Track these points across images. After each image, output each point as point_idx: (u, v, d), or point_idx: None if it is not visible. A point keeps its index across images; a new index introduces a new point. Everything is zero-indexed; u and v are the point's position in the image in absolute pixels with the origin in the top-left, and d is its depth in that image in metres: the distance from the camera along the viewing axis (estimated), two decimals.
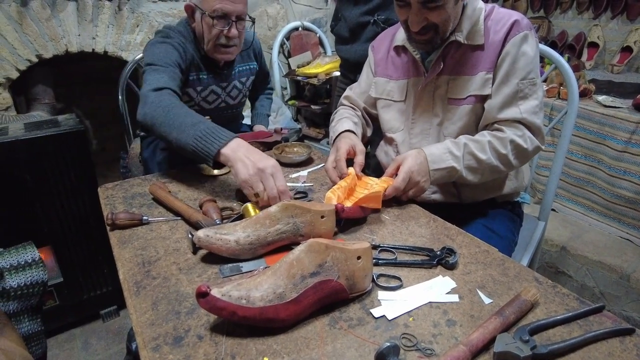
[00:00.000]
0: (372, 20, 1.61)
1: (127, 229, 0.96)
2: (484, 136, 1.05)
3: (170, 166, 1.51)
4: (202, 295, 0.62)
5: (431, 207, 1.15)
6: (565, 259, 1.87)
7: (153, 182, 1.15)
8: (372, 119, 1.36)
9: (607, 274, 1.75)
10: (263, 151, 1.51)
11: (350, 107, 1.36)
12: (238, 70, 1.61)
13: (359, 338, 0.64)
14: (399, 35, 1.21)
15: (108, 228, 0.96)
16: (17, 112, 1.97)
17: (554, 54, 1.40)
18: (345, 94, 1.39)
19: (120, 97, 1.81)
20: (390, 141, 1.26)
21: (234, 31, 1.39)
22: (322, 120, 2.75)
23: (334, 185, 1.02)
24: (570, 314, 0.67)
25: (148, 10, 2.15)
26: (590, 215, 2.01)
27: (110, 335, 1.77)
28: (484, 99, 1.08)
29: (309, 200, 1.08)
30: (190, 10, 1.41)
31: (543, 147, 1.08)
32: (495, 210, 1.19)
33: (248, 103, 1.88)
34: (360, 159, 1.08)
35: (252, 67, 1.67)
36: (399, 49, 1.21)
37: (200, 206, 0.98)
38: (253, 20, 1.50)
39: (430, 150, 1.03)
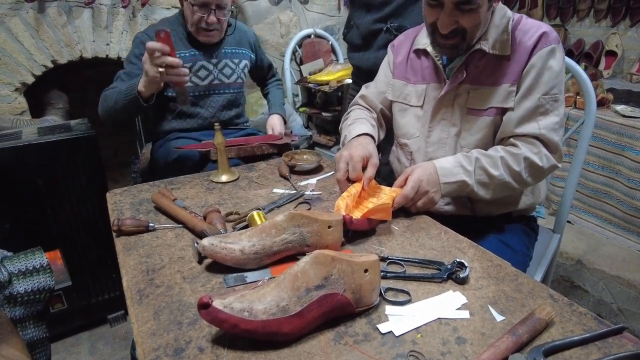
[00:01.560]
0: (384, 28, 1.59)
1: (133, 235, 0.95)
2: (497, 152, 1.02)
3: (179, 169, 1.51)
4: (204, 306, 0.61)
5: (444, 219, 1.12)
6: (581, 273, 1.82)
7: (160, 188, 1.14)
8: (386, 122, 1.33)
9: (626, 289, 1.69)
10: (270, 154, 1.53)
11: (367, 108, 1.31)
12: (230, 51, 1.69)
13: (364, 354, 0.62)
14: (421, 39, 1.18)
15: (114, 234, 0.96)
16: (32, 117, 2.00)
17: (570, 62, 1.37)
18: (361, 92, 1.34)
19: None
20: (403, 147, 1.23)
21: (212, 18, 1.53)
22: (332, 128, 2.73)
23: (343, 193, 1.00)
24: (588, 334, 0.64)
25: (161, 17, 2.17)
26: (607, 227, 1.95)
27: (117, 340, 1.76)
28: (505, 111, 1.04)
29: (309, 209, 1.06)
30: None
31: (559, 166, 1.05)
32: (510, 224, 1.15)
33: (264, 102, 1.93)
34: (370, 172, 1.04)
35: (245, 52, 1.74)
36: (420, 53, 1.18)
37: (205, 217, 0.97)
38: (236, 11, 1.66)
39: (441, 163, 1.01)
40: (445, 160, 1.02)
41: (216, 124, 1.21)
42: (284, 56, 2.70)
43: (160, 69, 1.23)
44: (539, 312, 0.66)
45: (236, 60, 1.71)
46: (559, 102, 1.02)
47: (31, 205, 1.55)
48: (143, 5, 2.07)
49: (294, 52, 2.72)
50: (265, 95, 2.02)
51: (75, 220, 1.63)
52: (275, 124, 1.79)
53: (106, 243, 1.70)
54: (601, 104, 1.93)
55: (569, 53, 2.59)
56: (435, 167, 1.00)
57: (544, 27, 1.02)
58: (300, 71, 2.76)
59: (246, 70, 1.77)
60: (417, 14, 1.54)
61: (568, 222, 1.93)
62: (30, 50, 1.88)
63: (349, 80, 2.48)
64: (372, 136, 1.16)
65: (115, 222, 0.94)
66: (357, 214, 0.95)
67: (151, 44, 1.22)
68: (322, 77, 2.51)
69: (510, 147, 1.03)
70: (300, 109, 2.75)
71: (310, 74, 2.63)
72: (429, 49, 1.13)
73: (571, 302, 0.73)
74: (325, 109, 2.66)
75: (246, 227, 0.95)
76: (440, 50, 1.08)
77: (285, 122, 1.86)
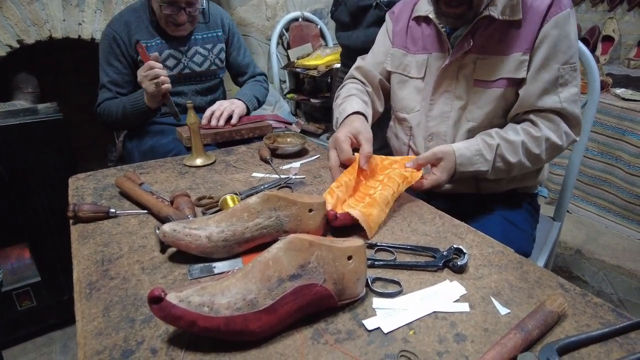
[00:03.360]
0: (374, 4, 1.49)
1: (92, 222, 0.85)
2: (518, 134, 0.95)
3: (154, 157, 1.41)
4: (155, 300, 0.51)
5: (446, 197, 1.04)
6: (580, 263, 1.74)
7: (126, 172, 1.03)
8: (385, 94, 1.22)
9: (627, 279, 1.62)
10: (251, 138, 1.40)
11: (360, 81, 1.20)
12: (201, 37, 1.55)
13: (347, 355, 0.53)
14: (421, 5, 1.08)
15: (70, 221, 0.85)
16: None
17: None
18: (356, 64, 1.23)
19: None
20: (401, 122, 1.13)
21: (183, 17, 1.40)
22: (321, 115, 2.63)
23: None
24: (607, 329, 0.55)
25: None
26: (606, 216, 1.88)
27: None
28: (517, 82, 0.96)
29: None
30: None
31: (578, 140, 1.00)
32: (513, 201, 1.08)
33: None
34: (367, 148, 0.91)
35: (218, 34, 1.59)
36: (420, 20, 1.08)
37: (172, 202, 0.86)
38: (206, 2, 1.50)
39: (461, 151, 0.93)
40: (466, 147, 0.94)
41: (188, 102, 1.11)
42: (270, 40, 2.58)
43: (156, 81, 1.27)
44: (549, 304, 0.57)
45: (208, 46, 1.56)
46: (577, 72, 0.95)
47: None
48: None
49: (280, 36, 2.61)
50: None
51: (44, 211, 1.52)
52: (222, 106, 1.41)
53: None
54: (601, 87, 1.85)
55: (584, 41, 2.51)
56: (455, 155, 0.93)
57: None
58: (288, 56, 2.64)
59: (222, 55, 1.61)
60: None
61: (567, 211, 1.86)
62: None
63: (339, 65, 2.38)
64: (362, 114, 1.04)
65: (71, 207, 0.84)
66: (353, 203, 0.84)
67: (148, 65, 1.27)
68: (310, 61, 2.40)
69: (531, 127, 0.96)
70: (288, 96, 2.64)
71: (297, 59, 2.52)
72: (432, 15, 1.03)
73: (584, 292, 0.64)
74: (314, 95, 2.55)
75: (218, 211, 0.84)
76: (446, 20, 0.98)
77: (247, 113, 1.52)
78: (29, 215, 1.50)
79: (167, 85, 1.30)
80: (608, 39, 2.38)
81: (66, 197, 1.51)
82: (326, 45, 2.73)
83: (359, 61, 1.24)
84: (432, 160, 0.93)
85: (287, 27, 2.61)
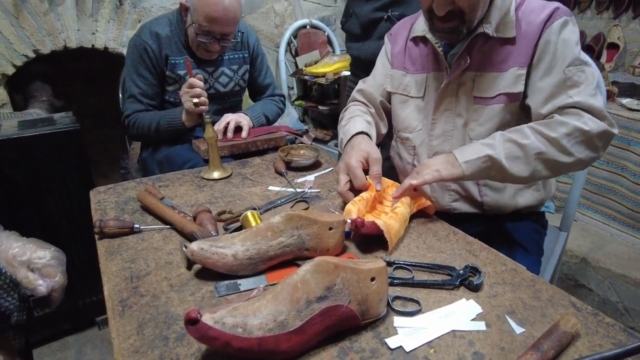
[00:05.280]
0: (385, 17, 1.52)
1: (117, 237, 0.88)
2: (524, 125, 0.92)
3: (170, 166, 1.44)
4: (192, 322, 0.54)
5: (452, 217, 1.05)
6: (585, 272, 1.77)
7: (147, 186, 1.07)
8: (387, 115, 1.24)
9: (632, 288, 1.64)
10: (266, 150, 1.43)
11: (363, 103, 1.23)
12: (228, 58, 1.56)
13: None
14: (418, 26, 1.10)
15: (96, 237, 0.88)
16: (14, 110, 1.90)
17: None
18: (358, 87, 1.27)
19: (120, 95, 1.74)
20: (404, 142, 1.16)
21: (215, 47, 1.43)
22: (329, 122, 2.66)
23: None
24: (620, 350, 0.57)
25: (150, 5, 2.08)
26: (612, 225, 1.90)
27: (106, 344, 1.69)
28: (516, 97, 0.97)
29: (306, 209, 0.99)
30: (185, 9, 1.44)
31: (615, 132, 0.88)
32: (520, 222, 1.09)
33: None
34: (376, 169, 0.95)
35: (244, 55, 1.60)
36: (418, 40, 1.11)
37: (194, 217, 0.89)
38: (240, 36, 1.55)
39: (462, 147, 0.92)
40: (465, 145, 0.93)
41: (207, 117, 1.14)
42: (278, 47, 2.61)
43: (195, 100, 1.30)
44: (563, 324, 0.60)
45: (234, 67, 1.58)
46: (586, 71, 0.91)
47: (12, 203, 1.46)
48: None
49: (288, 43, 2.64)
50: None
51: (60, 219, 1.55)
52: (229, 118, 1.43)
53: (93, 242, 1.62)
54: (607, 97, 1.88)
55: (589, 48, 2.53)
56: (453, 152, 0.90)
57: (553, 3, 0.95)
58: (296, 63, 2.67)
59: (246, 76, 1.63)
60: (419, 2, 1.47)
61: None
62: (9, 39, 1.78)
63: (346, 72, 2.41)
64: (367, 133, 1.07)
65: (97, 223, 0.87)
66: (371, 218, 0.87)
67: (191, 83, 1.31)
68: (318, 69, 2.43)
69: (540, 121, 0.92)
70: (296, 102, 2.67)
71: (305, 66, 2.55)
72: (428, 35, 1.05)
73: (596, 311, 0.67)
74: (322, 102, 2.58)
75: (239, 228, 0.87)
76: (440, 36, 1.00)
77: (252, 126, 1.50)
78: (45, 223, 1.53)
79: (204, 107, 1.33)
80: (613, 47, 2.39)
81: (83, 206, 1.56)
82: (334, 52, 2.75)
83: (361, 84, 1.26)
84: (408, 188, 0.89)
85: (295, 35, 2.64)
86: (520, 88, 0.96)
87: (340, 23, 1.78)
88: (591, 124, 0.86)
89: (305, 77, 2.47)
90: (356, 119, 1.12)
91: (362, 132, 1.06)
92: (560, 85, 0.91)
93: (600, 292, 1.73)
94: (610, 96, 1.90)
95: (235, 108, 1.68)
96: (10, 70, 1.84)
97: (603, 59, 2.40)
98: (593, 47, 2.44)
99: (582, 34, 2.52)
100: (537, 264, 1.05)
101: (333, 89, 2.61)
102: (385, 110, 1.23)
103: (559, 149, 0.87)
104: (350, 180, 0.96)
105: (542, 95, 0.93)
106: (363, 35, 1.63)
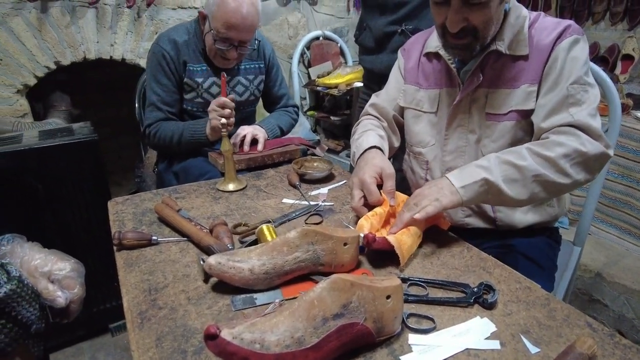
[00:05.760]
0: (399, 30, 1.53)
1: (135, 249, 0.90)
2: (521, 146, 0.91)
3: (186, 178, 1.46)
4: (211, 337, 0.55)
5: (465, 232, 1.05)
6: (600, 287, 1.75)
7: (164, 197, 1.09)
8: (400, 129, 1.25)
9: None
10: (281, 162, 1.45)
11: (375, 117, 1.24)
12: (244, 68, 1.58)
13: None
14: (431, 42, 1.12)
15: (115, 248, 0.90)
16: (35, 119, 1.95)
17: (593, 65, 1.29)
18: (371, 101, 1.28)
19: (136, 104, 1.77)
20: (417, 156, 1.16)
21: (232, 54, 1.44)
22: (341, 132, 2.67)
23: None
24: None
25: (167, 18, 2.13)
26: (627, 239, 1.88)
27: (119, 350, 1.71)
28: (527, 114, 0.97)
29: (319, 222, 1.00)
30: (203, 17, 1.45)
31: (611, 154, 0.89)
32: (533, 237, 1.08)
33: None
34: (390, 185, 0.95)
35: (260, 66, 1.63)
36: (431, 56, 1.12)
37: (211, 230, 0.91)
38: (257, 44, 1.56)
39: (454, 171, 0.90)
40: (458, 168, 0.92)
41: (223, 131, 1.16)
42: (291, 58, 2.64)
43: (224, 121, 1.26)
44: (579, 346, 0.60)
45: (250, 77, 1.60)
46: (590, 92, 0.92)
47: (31, 211, 1.50)
48: (148, 5, 2.02)
49: (302, 55, 2.67)
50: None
51: (77, 226, 1.58)
52: (245, 131, 1.45)
53: (108, 250, 1.64)
54: (622, 110, 1.86)
55: (603, 60, 2.52)
56: (447, 177, 0.88)
57: (565, 21, 0.96)
58: (308, 74, 2.70)
59: (261, 87, 1.65)
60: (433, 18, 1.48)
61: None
62: (32, 51, 1.84)
63: (359, 84, 2.43)
64: (380, 148, 1.08)
65: (116, 235, 0.89)
66: (385, 233, 0.87)
67: (222, 101, 1.30)
68: (330, 80, 2.45)
69: (536, 141, 0.93)
70: (308, 113, 2.70)
71: (318, 77, 2.57)
72: (441, 51, 1.06)
73: (613, 332, 0.66)
74: (334, 113, 2.60)
75: (255, 241, 0.89)
76: (453, 52, 1.01)
77: (267, 139, 1.52)
78: (62, 230, 1.57)
79: (230, 128, 1.26)
80: (628, 58, 2.37)
81: (98, 215, 1.59)
82: (346, 63, 2.78)
83: (374, 98, 1.27)
84: (408, 222, 0.85)
85: (308, 46, 2.67)
86: (531, 105, 0.96)
87: (354, 36, 1.80)
88: (589, 146, 0.86)
89: (318, 88, 2.50)
90: (369, 133, 1.13)
91: (375, 147, 1.06)
92: (563, 102, 0.91)
93: (616, 308, 1.71)
94: (625, 109, 1.88)
95: (250, 118, 1.70)
96: (32, 81, 1.89)
97: (617, 71, 2.38)
98: (607, 58, 2.43)
99: (596, 46, 2.51)
100: (550, 280, 1.05)
101: (345, 100, 2.63)
102: (398, 124, 1.24)
103: (556, 170, 0.86)
104: (364, 196, 0.97)
105: (544, 110, 0.93)
106: (377, 48, 1.64)
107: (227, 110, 1.29)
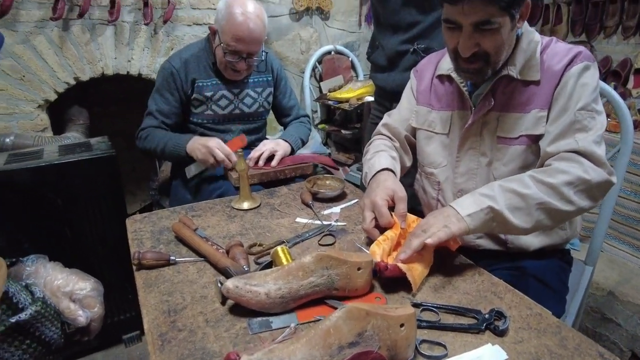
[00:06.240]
0: (411, 49, 1.55)
1: (154, 269, 0.92)
2: (523, 174, 0.93)
3: (201, 192, 1.50)
4: None
5: (476, 253, 1.06)
6: (613, 305, 1.73)
7: (180, 215, 1.12)
8: (412, 149, 1.26)
9: None
10: (293, 178, 1.49)
11: (388, 137, 1.26)
12: (253, 81, 1.65)
13: None
14: (444, 64, 1.13)
15: (134, 267, 0.93)
16: (53, 133, 2.00)
17: (603, 85, 1.29)
18: (383, 121, 1.30)
19: None
20: (429, 176, 1.18)
21: (242, 65, 1.51)
22: (352, 145, 2.69)
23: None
24: None
25: (183, 34, 2.18)
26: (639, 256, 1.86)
27: None
28: (537, 139, 0.98)
29: (332, 244, 1.02)
30: (213, 32, 1.54)
31: (614, 181, 0.90)
32: (545, 260, 1.09)
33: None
34: (402, 208, 0.97)
35: (268, 79, 1.69)
36: (443, 78, 1.14)
37: (227, 251, 0.93)
38: (265, 54, 1.61)
39: (458, 200, 0.92)
40: (463, 197, 0.93)
41: (239, 150, 1.19)
42: (303, 73, 2.68)
43: (212, 161, 1.41)
44: None
45: (259, 89, 1.66)
46: (596, 119, 0.93)
47: (50, 225, 1.54)
48: (165, 22, 2.07)
49: (313, 69, 2.70)
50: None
51: (93, 240, 1.62)
52: (266, 146, 1.51)
53: (123, 263, 1.68)
54: (633, 126, 1.86)
55: (615, 74, 2.51)
56: (452, 206, 0.90)
57: (577, 47, 0.97)
58: (320, 87, 2.73)
59: (270, 99, 1.71)
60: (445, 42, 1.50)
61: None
62: (53, 67, 1.89)
63: (369, 98, 2.45)
64: (392, 170, 1.10)
65: (135, 255, 0.92)
66: (397, 256, 0.89)
67: (226, 154, 1.41)
68: (342, 94, 2.48)
69: (539, 169, 0.94)
70: (319, 126, 2.73)
71: (329, 91, 2.60)
72: (454, 74, 1.08)
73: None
74: (345, 126, 2.62)
75: (270, 263, 0.91)
76: (465, 76, 1.03)
77: (292, 152, 1.61)
78: (80, 243, 1.60)
79: (213, 170, 1.44)
80: None
81: (115, 228, 1.62)
82: (357, 76, 2.81)
83: (386, 118, 1.30)
84: (418, 248, 0.86)
85: (320, 60, 2.71)
86: (541, 130, 0.97)
87: (367, 54, 1.82)
88: (592, 173, 0.88)
89: (329, 102, 2.53)
90: (381, 154, 1.15)
91: (387, 169, 1.08)
92: (569, 127, 0.93)
93: (629, 328, 1.70)
94: (637, 126, 1.88)
95: (261, 129, 1.76)
96: (53, 97, 1.95)
97: (630, 85, 2.38)
98: (619, 72, 2.42)
99: (608, 60, 2.51)
100: (562, 302, 1.05)
101: (356, 113, 2.66)
102: (410, 144, 1.25)
103: (560, 197, 0.87)
104: (375, 217, 0.98)
105: (551, 134, 0.95)
106: (389, 66, 1.66)
107: (230, 164, 1.41)
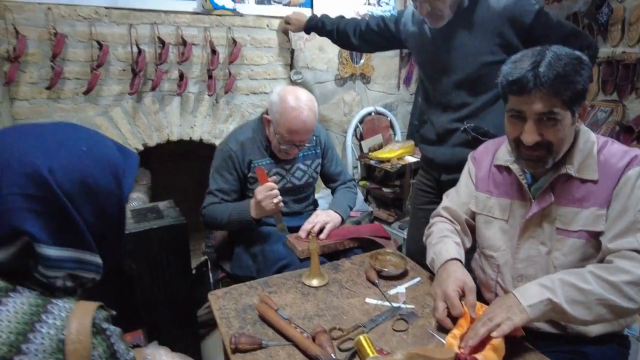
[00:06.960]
0: (462, 128, 1.65)
1: (248, 352, 1.01)
2: (584, 268, 1.00)
3: (265, 261, 1.60)
4: None
5: (535, 335, 1.10)
6: None
7: (258, 291, 1.21)
8: (471, 230, 1.34)
9: None
10: (351, 248, 1.58)
11: (448, 219, 1.34)
12: (303, 155, 1.76)
13: None
14: (501, 154, 1.21)
15: (229, 351, 1.02)
16: None
17: None
18: (443, 204, 1.38)
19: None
20: (488, 258, 1.24)
21: (295, 151, 1.66)
22: (392, 203, 2.79)
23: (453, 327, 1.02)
24: None
25: (241, 102, 2.36)
26: None
27: None
28: (597, 235, 1.04)
29: (405, 330, 1.09)
30: (267, 122, 1.64)
31: None
32: (604, 346, 1.13)
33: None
34: (471, 299, 1.05)
35: (317, 151, 1.81)
36: (502, 168, 1.21)
37: (313, 338, 1.02)
38: (314, 140, 1.76)
39: (520, 288, 1.00)
40: (525, 285, 1.01)
41: (312, 232, 1.30)
42: (346, 132, 2.82)
43: (276, 200, 1.50)
44: None
45: (308, 162, 1.78)
46: None
47: (124, 287, 1.66)
48: (226, 92, 2.25)
49: (355, 129, 2.85)
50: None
51: (161, 301, 1.73)
52: (317, 218, 1.62)
53: (187, 322, 1.78)
54: None
55: (628, 130, 2.57)
56: (514, 294, 0.98)
57: (634, 150, 1.04)
58: (360, 146, 2.87)
59: (318, 169, 1.83)
60: (494, 116, 1.59)
61: None
62: (126, 135, 2.07)
63: (410, 158, 2.57)
64: (459, 259, 1.17)
65: (232, 339, 1.01)
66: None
67: (270, 186, 1.51)
68: (383, 154, 2.61)
69: (599, 264, 1.01)
70: (360, 183, 2.84)
71: (370, 150, 2.73)
72: (512, 166, 1.16)
73: None
74: (385, 184, 2.73)
75: (355, 352, 0.99)
76: (526, 164, 1.09)
77: (342, 222, 1.70)
78: (149, 305, 1.71)
79: (281, 204, 1.52)
80: None
81: (180, 289, 1.72)
82: (395, 135, 2.94)
83: (446, 201, 1.37)
84: (484, 333, 0.94)
85: (361, 121, 2.85)
86: (600, 227, 1.03)
87: (414, 127, 1.94)
88: None
89: (371, 161, 2.65)
90: (447, 242, 1.23)
91: (455, 259, 1.16)
92: (630, 227, 0.99)
93: None
94: None
95: (309, 196, 1.88)
96: None
97: None
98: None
99: None
100: None
101: (396, 172, 2.77)
102: (469, 226, 1.33)
103: (622, 295, 0.92)
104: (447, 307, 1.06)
105: (612, 232, 1.01)
106: (438, 141, 1.76)
107: (275, 191, 1.50)
